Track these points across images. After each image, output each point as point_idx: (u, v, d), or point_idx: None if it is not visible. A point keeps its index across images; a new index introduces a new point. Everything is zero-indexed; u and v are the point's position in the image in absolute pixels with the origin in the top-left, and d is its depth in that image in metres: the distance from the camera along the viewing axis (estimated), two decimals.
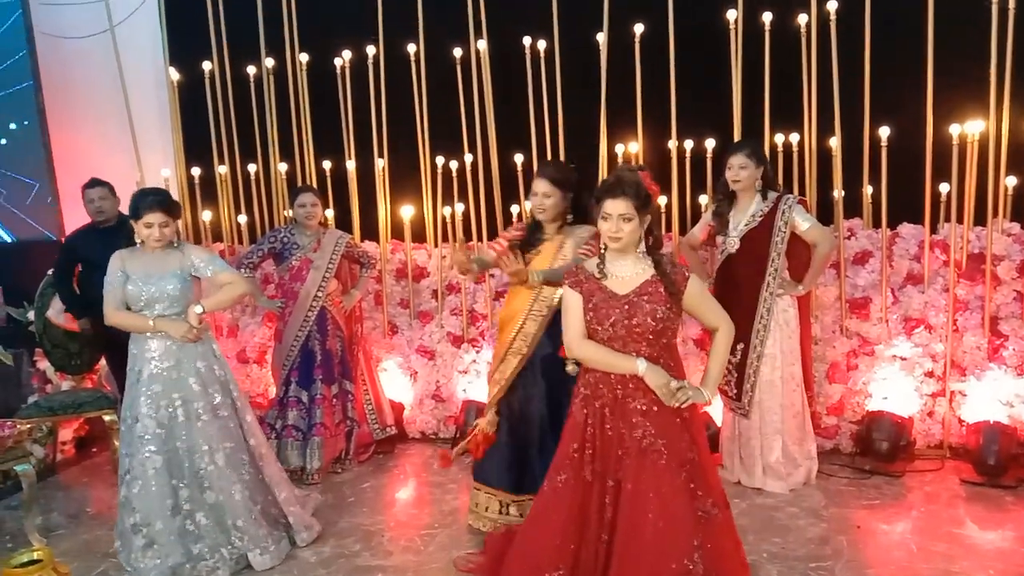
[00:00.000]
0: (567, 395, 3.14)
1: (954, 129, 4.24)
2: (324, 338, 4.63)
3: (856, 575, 3.26)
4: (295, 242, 4.63)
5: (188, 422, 3.45)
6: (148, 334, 3.45)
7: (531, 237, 3.64)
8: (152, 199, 3.43)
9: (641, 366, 2.64)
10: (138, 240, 3.46)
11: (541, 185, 3.53)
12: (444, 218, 5.15)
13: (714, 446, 4.27)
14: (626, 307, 2.66)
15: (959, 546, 3.47)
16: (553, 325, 3.46)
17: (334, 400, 4.66)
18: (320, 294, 4.60)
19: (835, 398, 4.50)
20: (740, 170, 3.99)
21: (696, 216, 4.79)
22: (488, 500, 3.70)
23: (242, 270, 4.46)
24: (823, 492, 4.07)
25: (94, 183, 4.59)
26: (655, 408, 2.66)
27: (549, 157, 4.89)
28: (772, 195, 4.03)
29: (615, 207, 2.65)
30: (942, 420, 4.42)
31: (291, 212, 4.74)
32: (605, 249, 2.77)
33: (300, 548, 3.67)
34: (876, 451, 4.31)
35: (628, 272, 2.72)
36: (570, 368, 3.04)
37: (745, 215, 4.06)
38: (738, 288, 4.01)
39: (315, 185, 5.39)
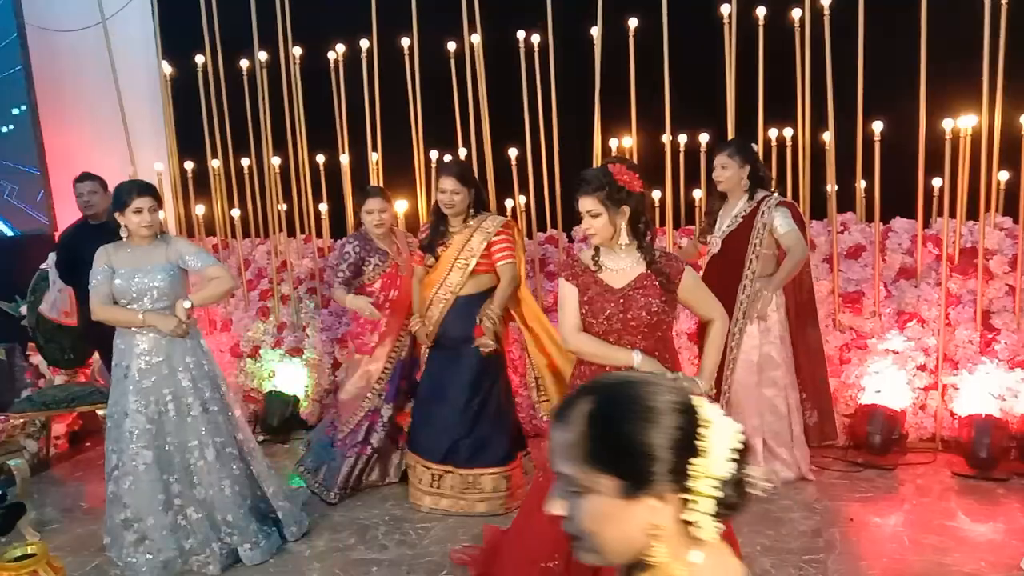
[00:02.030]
0: (484, 370, 3.88)
1: (947, 124, 4.25)
2: (413, 348, 4.29)
3: (849, 567, 3.28)
4: (377, 248, 4.15)
5: (179, 418, 3.44)
6: (135, 329, 3.43)
7: (435, 233, 3.89)
8: (139, 184, 3.47)
9: (637, 358, 2.64)
10: (124, 234, 3.44)
11: (449, 183, 3.78)
12: None
13: None
14: (621, 300, 2.66)
15: (951, 538, 3.49)
16: (459, 308, 3.86)
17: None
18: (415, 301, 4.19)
19: None
20: (722, 170, 3.96)
21: (689, 210, 4.81)
22: (423, 472, 3.96)
23: (337, 288, 4.12)
24: (816, 485, 4.09)
25: (84, 177, 4.57)
26: None
27: (544, 152, 4.89)
28: (759, 195, 3.97)
29: (582, 204, 2.68)
30: (934, 413, 4.44)
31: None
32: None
33: (294, 542, 3.67)
34: (869, 444, 4.33)
35: (623, 265, 2.72)
36: (483, 343, 3.79)
37: (729, 216, 4.03)
38: (717, 290, 3.94)
39: (307, 178, 5.39)
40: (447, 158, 5.07)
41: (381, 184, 5.24)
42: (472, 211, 3.88)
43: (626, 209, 2.66)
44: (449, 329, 3.90)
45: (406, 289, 4.13)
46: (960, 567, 3.23)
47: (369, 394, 4.15)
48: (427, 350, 4.09)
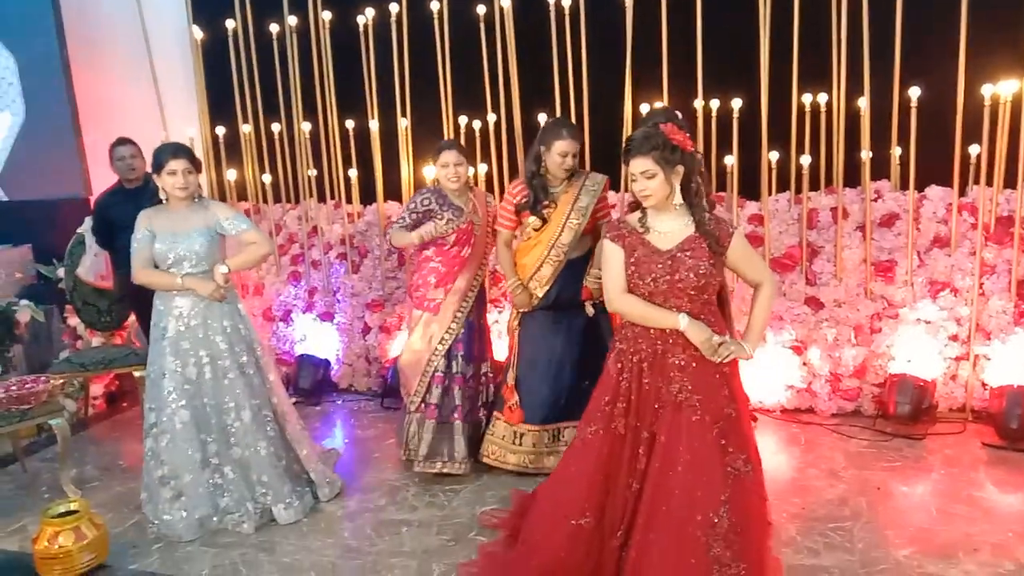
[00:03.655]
0: (596, 328, 3.87)
1: (986, 90, 4.15)
2: (481, 311, 4.17)
3: (875, 536, 3.29)
4: (452, 203, 3.93)
5: (215, 379, 3.52)
6: (175, 292, 3.50)
7: (538, 193, 3.78)
8: (174, 146, 3.52)
9: (683, 321, 2.63)
10: (163, 196, 3.50)
11: (572, 146, 3.69)
12: None
13: None
14: (669, 262, 2.64)
15: (978, 509, 3.48)
16: (567, 270, 3.83)
17: (483, 378, 4.19)
18: (486, 262, 4.11)
19: (859, 360, 4.50)
20: None
21: (721, 176, 4.77)
22: (505, 429, 3.95)
23: (396, 231, 3.94)
24: (843, 454, 4.09)
25: (124, 141, 4.61)
26: (694, 364, 2.67)
27: (574, 116, 4.85)
28: None
29: (636, 166, 2.63)
30: (965, 384, 4.41)
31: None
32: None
33: (327, 502, 3.75)
34: (898, 414, 4.30)
35: (670, 227, 2.69)
36: (588, 310, 3.85)
37: None
38: None
39: (337, 144, 5.40)
40: (476, 124, 5.06)
41: (410, 149, 5.25)
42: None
43: (681, 168, 2.63)
44: (562, 291, 3.84)
45: (480, 247, 4.00)
46: (987, 538, 3.23)
47: (432, 356, 3.97)
48: (517, 317, 3.99)
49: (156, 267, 3.51)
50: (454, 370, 3.99)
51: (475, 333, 4.06)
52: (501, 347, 4.59)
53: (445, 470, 3.95)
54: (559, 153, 3.69)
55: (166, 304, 3.54)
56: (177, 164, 3.43)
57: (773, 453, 4.15)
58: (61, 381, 4.52)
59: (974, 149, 4.27)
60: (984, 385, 4.36)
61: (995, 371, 4.30)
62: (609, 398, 2.77)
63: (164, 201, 3.51)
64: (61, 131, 5.80)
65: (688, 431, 2.64)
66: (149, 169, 3.78)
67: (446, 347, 3.97)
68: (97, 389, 5.29)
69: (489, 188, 5.09)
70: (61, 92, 5.74)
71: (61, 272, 5.06)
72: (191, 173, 3.47)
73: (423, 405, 4.00)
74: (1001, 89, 4.16)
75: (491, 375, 4.23)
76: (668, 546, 2.60)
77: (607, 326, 3.90)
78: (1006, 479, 3.77)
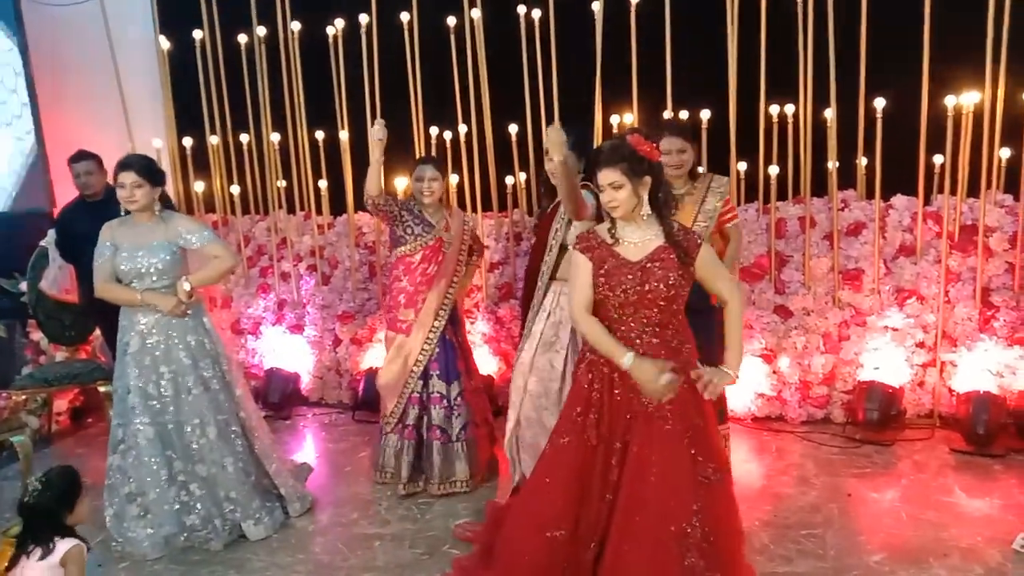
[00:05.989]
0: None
1: (949, 101, 4.23)
2: (456, 328, 4.13)
3: (847, 542, 3.31)
4: (425, 218, 3.95)
5: (177, 396, 3.46)
6: (136, 307, 3.44)
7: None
8: (123, 160, 3.44)
9: (627, 361, 2.61)
10: (123, 211, 3.44)
11: (676, 143, 3.50)
12: None
13: None
14: (639, 273, 2.64)
15: (948, 513, 3.52)
16: None
17: (476, 396, 4.16)
18: (456, 280, 4.04)
19: (827, 368, 4.54)
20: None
21: None
22: None
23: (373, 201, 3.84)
24: (814, 461, 4.12)
25: (79, 156, 4.51)
26: None
27: (544, 128, 4.82)
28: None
29: (604, 177, 2.64)
30: (932, 390, 4.46)
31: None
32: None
33: (296, 517, 3.70)
34: (867, 420, 4.35)
35: (640, 238, 2.70)
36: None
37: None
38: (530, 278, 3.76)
39: (307, 155, 5.36)
40: (447, 135, 5.05)
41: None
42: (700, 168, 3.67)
43: (648, 179, 2.64)
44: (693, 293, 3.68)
45: (449, 265, 3.95)
46: (956, 542, 3.27)
47: (408, 378, 3.94)
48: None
49: (119, 281, 3.45)
50: (431, 390, 3.95)
51: (452, 351, 4.02)
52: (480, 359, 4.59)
53: (439, 491, 3.89)
54: (663, 152, 3.28)
55: (129, 319, 3.48)
56: (123, 177, 3.36)
57: (744, 461, 4.17)
58: (23, 397, 4.42)
59: (938, 159, 4.34)
60: (951, 391, 4.42)
61: (962, 377, 4.36)
62: (581, 409, 2.77)
63: (126, 213, 3.45)
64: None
65: (660, 441, 2.64)
66: (111, 181, 3.72)
67: (421, 368, 3.94)
68: (61, 405, 5.17)
69: (460, 199, 5.08)
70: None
71: (24, 285, 4.96)
72: (140, 187, 3.37)
73: (400, 427, 3.96)
74: (963, 100, 4.24)
75: (479, 390, 4.21)
76: (642, 557, 2.60)
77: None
78: (974, 484, 3.82)
